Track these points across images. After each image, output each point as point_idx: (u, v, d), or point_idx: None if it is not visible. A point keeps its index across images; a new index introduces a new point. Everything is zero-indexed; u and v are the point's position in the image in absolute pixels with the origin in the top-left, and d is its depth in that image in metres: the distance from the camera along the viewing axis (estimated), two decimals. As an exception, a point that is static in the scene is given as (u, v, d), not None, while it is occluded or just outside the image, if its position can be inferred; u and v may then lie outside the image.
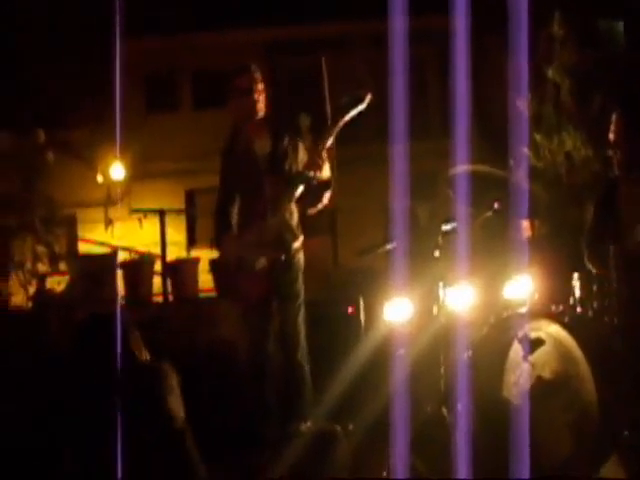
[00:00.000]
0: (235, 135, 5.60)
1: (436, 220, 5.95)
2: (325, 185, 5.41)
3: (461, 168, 5.50)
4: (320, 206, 5.50)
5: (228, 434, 5.49)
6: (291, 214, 5.46)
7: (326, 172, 5.39)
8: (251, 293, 5.40)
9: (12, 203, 7.03)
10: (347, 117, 5.30)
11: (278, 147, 5.47)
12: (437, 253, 5.33)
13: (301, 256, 5.54)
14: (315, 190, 5.40)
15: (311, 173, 5.31)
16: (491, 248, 5.52)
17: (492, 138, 7.18)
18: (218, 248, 5.67)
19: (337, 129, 5.30)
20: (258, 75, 5.48)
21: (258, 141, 5.50)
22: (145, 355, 3.76)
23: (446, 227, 5.32)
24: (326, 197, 5.45)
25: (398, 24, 6.14)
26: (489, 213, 5.38)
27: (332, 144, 5.42)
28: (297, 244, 5.49)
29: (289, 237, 5.44)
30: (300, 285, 5.49)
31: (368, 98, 5.26)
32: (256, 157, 5.48)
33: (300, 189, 5.35)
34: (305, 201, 5.46)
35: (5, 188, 7.20)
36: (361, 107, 5.27)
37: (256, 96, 5.44)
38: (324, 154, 5.34)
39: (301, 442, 5.04)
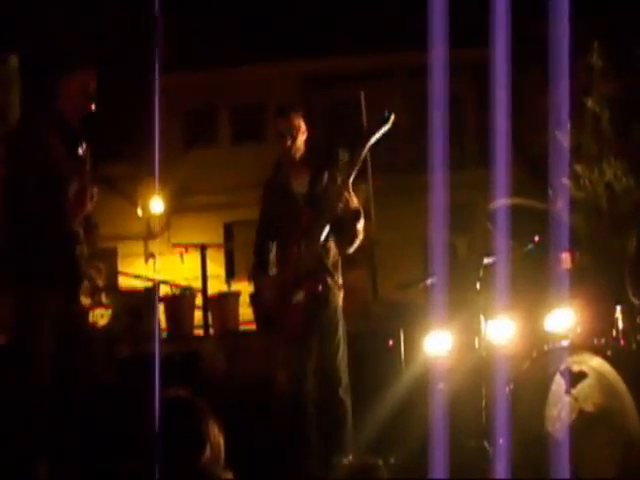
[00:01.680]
0: (277, 168, 5.66)
1: (475, 253, 5.93)
2: (355, 216, 5.42)
3: (501, 201, 5.49)
4: (357, 241, 5.51)
5: (269, 470, 5.48)
6: (327, 252, 5.46)
7: (354, 202, 5.40)
8: (289, 327, 5.42)
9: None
10: (372, 140, 5.33)
11: (316, 185, 5.50)
12: (478, 286, 5.32)
13: (339, 293, 5.53)
14: (347, 222, 5.42)
15: (339, 205, 5.34)
16: (532, 281, 5.48)
17: (531, 169, 7.17)
18: (254, 286, 5.72)
19: (363, 155, 5.33)
20: (298, 117, 5.54)
21: (296, 179, 5.54)
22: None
23: (488, 260, 5.31)
24: (359, 228, 5.46)
25: (438, 56, 6.17)
26: (530, 246, 5.36)
27: (368, 174, 5.44)
28: (333, 281, 5.49)
29: (324, 274, 5.45)
30: (338, 321, 5.48)
31: (392, 118, 5.29)
32: (294, 195, 5.53)
33: (328, 221, 5.38)
34: (340, 236, 5.47)
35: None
36: (386, 128, 5.30)
37: (295, 139, 5.50)
38: (350, 184, 5.37)
39: (343, 476, 5.02)
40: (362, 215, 5.45)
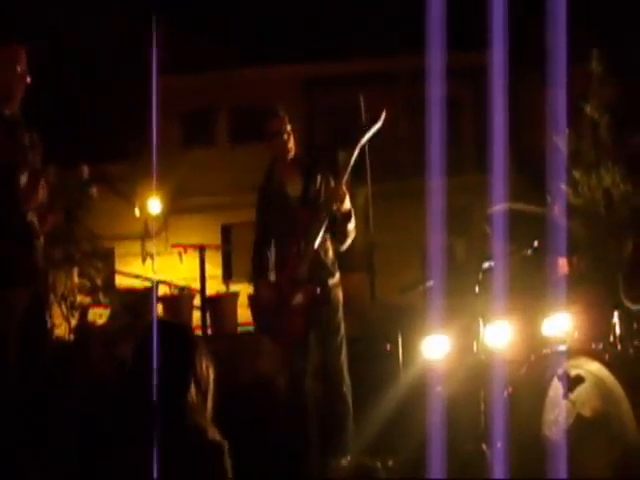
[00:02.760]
0: (270, 173, 5.69)
1: (474, 257, 5.96)
2: (347, 216, 5.46)
3: (499, 206, 5.52)
4: (349, 240, 5.55)
5: (269, 470, 5.50)
6: (326, 251, 5.50)
7: (347, 204, 5.44)
8: (288, 329, 5.44)
9: (57, 236, 7.10)
10: (364, 139, 5.37)
11: (310, 187, 5.53)
12: (477, 290, 5.34)
13: (339, 292, 5.57)
14: (339, 223, 5.45)
15: (334, 205, 5.38)
16: (530, 285, 5.51)
17: (528, 174, 7.19)
18: (254, 289, 5.74)
19: (355, 154, 5.37)
20: (286, 118, 5.57)
21: (290, 181, 5.58)
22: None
23: (487, 264, 5.33)
24: (350, 228, 5.49)
25: (435, 60, 6.20)
26: (529, 251, 5.38)
27: (367, 178, 5.47)
28: (333, 280, 5.53)
29: (324, 273, 5.48)
30: (340, 320, 5.52)
31: (383, 116, 5.33)
32: (288, 197, 5.56)
33: (325, 223, 5.41)
34: (333, 236, 5.51)
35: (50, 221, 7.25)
36: (377, 127, 5.35)
37: (285, 138, 5.53)
38: (344, 185, 5.40)
39: (342, 477, 5.05)
40: (353, 215, 5.49)
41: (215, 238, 17.94)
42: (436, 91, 6.33)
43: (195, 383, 3.14)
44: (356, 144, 5.36)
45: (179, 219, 17.63)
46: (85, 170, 7.66)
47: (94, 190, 7.85)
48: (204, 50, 17.01)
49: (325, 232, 5.44)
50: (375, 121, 5.36)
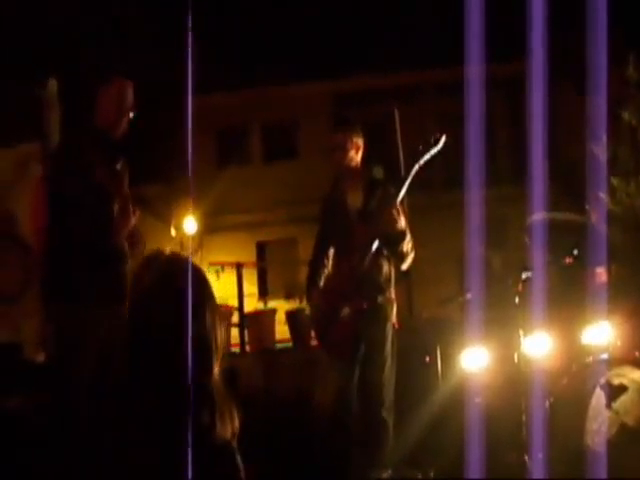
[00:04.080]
0: (334, 185, 5.69)
1: (511, 268, 5.93)
2: (401, 237, 5.42)
3: (538, 215, 5.48)
4: (407, 259, 5.50)
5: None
6: (379, 268, 5.46)
7: (401, 224, 5.40)
8: (334, 341, 5.43)
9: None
10: (422, 161, 5.35)
11: (371, 201, 5.51)
12: (517, 300, 5.31)
13: (389, 310, 5.51)
14: (392, 243, 5.42)
15: (390, 226, 5.34)
16: (569, 294, 5.47)
17: (566, 183, 7.15)
18: (307, 298, 5.76)
19: (411, 176, 5.34)
20: (354, 133, 5.55)
21: (352, 195, 5.55)
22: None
23: (526, 274, 5.30)
24: (404, 250, 5.44)
25: (472, 72, 6.18)
26: (568, 260, 5.35)
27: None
28: (383, 297, 5.48)
29: (373, 290, 5.44)
30: (386, 337, 5.44)
31: (443, 140, 5.30)
32: (348, 210, 5.54)
33: (377, 241, 5.39)
34: (390, 255, 5.48)
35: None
36: (435, 150, 5.32)
37: (345, 152, 5.51)
38: (399, 205, 5.37)
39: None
40: (408, 235, 5.44)
41: (250, 256, 18.00)
42: (473, 103, 6.31)
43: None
44: (413, 166, 5.34)
45: (214, 237, 17.71)
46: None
47: (137, 212, 7.92)
48: (237, 69, 17.11)
49: (379, 249, 5.41)
50: (435, 144, 5.33)
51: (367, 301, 5.39)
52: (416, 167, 5.33)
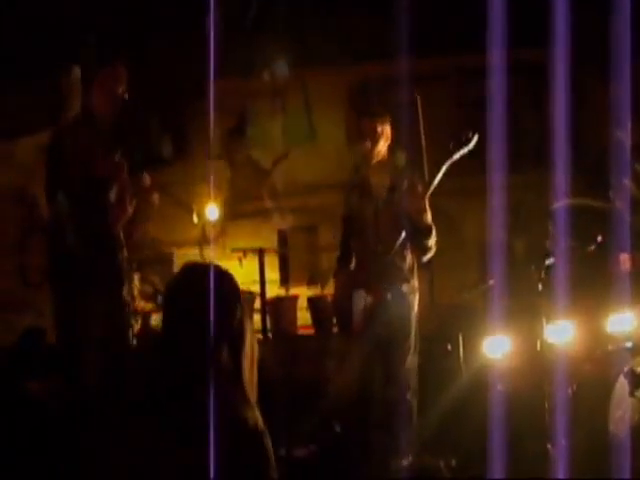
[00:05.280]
0: (354, 172, 5.68)
1: (534, 254, 5.90)
2: (426, 231, 5.40)
3: (562, 201, 5.45)
4: (429, 254, 5.50)
5: (330, 471, 5.50)
6: (404, 257, 5.46)
7: (427, 219, 5.39)
8: (358, 327, 5.44)
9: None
10: (452, 160, 5.33)
11: (396, 192, 5.49)
12: (540, 287, 5.29)
13: (413, 299, 5.51)
14: (417, 237, 5.41)
15: (419, 218, 5.33)
16: (593, 281, 5.44)
17: (589, 169, 7.10)
18: (334, 280, 5.80)
19: (442, 173, 5.32)
20: (383, 122, 5.53)
21: (376, 182, 5.53)
22: None
23: (550, 261, 5.27)
24: (429, 244, 5.43)
25: (495, 58, 6.14)
26: (592, 247, 5.32)
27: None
28: (407, 287, 5.48)
29: (397, 279, 5.44)
30: (410, 327, 5.46)
31: (475, 139, 5.28)
32: (372, 196, 5.53)
33: (403, 232, 5.38)
34: (413, 246, 5.47)
35: (137, 233, 7.44)
36: (466, 149, 5.30)
37: (375, 143, 5.49)
38: (427, 199, 5.35)
39: (404, 477, 5.02)
40: (433, 231, 5.43)
41: (271, 242, 17.98)
42: (496, 88, 6.27)
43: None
44: (445, 163, 5.33)
45: (235, 224, 17.72)
46: (147, 179, 7.76)
47: (156, 197, 7.96)
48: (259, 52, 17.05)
49: (406, 240, 5.41)
50: (466, 143, 5.32)
51: (391, 290, 5.39)
52: (446, 165, 5.32)
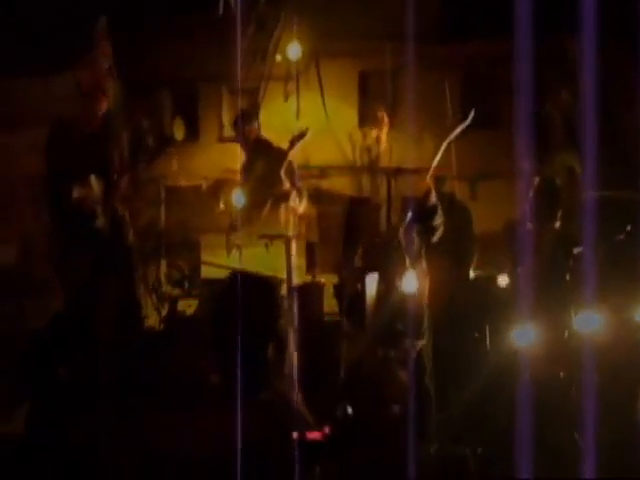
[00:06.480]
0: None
1: (562, 243, 5.88)
2: (431, 211, 5.47)
3: (590, 191, 5.43)
4: (437, 234, 5.54)
5: (353, 462, 5.50)
6: (411, 242, 5.49)
7: (431, 199, 5.47)
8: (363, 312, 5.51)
9: (149, 228, 7.30)
10: (451, 137, 5.38)
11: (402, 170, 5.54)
12: (568, 277, 5.27)
13: (422, 283, 5.54)
14: (423, 218, 5.46)
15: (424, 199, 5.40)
16: (621, 271, 5.41)
17: (619, 159, 7.04)
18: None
19: (441, 151, 5.39)
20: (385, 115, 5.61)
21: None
22: None
23: (578, 250, 5.26)
24: (435, 224, 5.50)
25: (522, 44, 6.10)
26: (621, 236, 5.29)
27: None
28: (414, 271, 5.51)
29: (404, 262, 5.48)
30: (423, 311, 5.49)
31: (471, 115, 5.31)
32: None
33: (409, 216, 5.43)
34: (419, 228, 5.51)
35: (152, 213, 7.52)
36: (465, 124, 5.37)
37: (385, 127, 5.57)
38: (429, 180, 5.43)
39: (431, 466, 5.03)
40: (438, 210, 5.48)
41: (298, 229, 18.00)
42: (523, 75, 6.23)
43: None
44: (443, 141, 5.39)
45: (261, 211, 17.72)
46: (175, 164, 7.81)
47: (184, 182, 8.04)
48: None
49: (413, 223, 5.44)
50: (464, 119, 5.38)
51: (399, 275, 5.43)
52: (445, 143, 5.40)
